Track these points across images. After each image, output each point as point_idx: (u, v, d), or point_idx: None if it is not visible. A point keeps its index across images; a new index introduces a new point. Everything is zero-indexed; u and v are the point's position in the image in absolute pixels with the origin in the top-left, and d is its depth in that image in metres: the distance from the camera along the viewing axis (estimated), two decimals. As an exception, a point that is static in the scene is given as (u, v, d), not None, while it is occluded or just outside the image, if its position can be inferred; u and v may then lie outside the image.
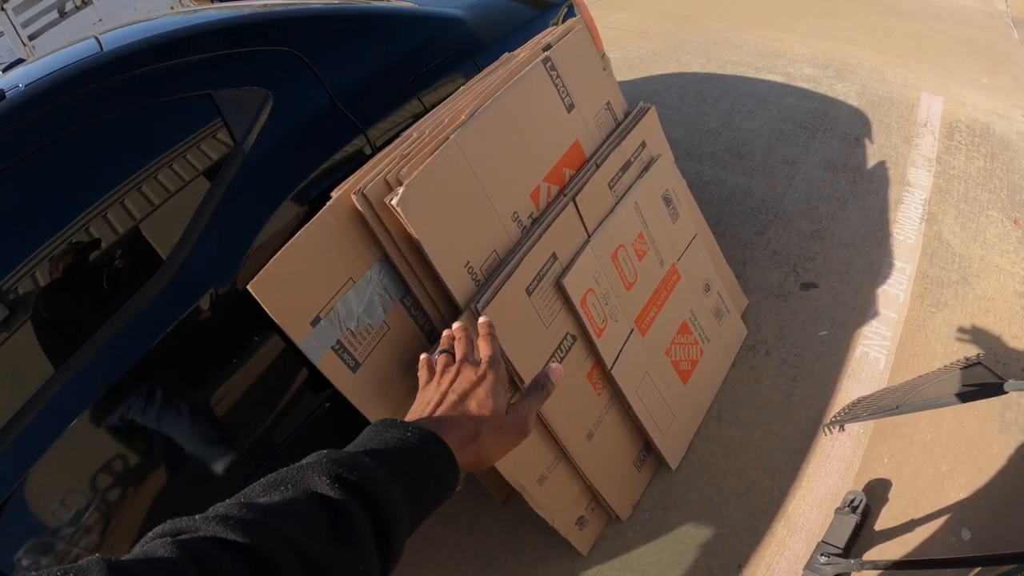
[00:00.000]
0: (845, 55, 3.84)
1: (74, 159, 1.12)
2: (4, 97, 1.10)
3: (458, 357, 0.65)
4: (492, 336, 0.67)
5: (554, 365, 0.66)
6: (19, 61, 1.81)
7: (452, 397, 0.60)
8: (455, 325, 0.70)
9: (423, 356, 0.69)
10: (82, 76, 1.17)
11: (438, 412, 0.59)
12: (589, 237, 1.52)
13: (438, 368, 0.66)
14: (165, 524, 0.40)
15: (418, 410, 0.61)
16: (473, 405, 0.59)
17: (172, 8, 5.44)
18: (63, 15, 5.42)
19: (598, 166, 1.56)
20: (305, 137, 1.36)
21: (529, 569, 1.64)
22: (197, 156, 1.25)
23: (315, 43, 1.43)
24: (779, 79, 3.58)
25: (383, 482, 0.46)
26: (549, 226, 1.41)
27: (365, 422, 1.22)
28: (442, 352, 0.68)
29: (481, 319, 0.70)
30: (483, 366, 0.63)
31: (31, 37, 5.24)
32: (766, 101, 3.37)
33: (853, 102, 3.33)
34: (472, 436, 0.57)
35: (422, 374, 0.68)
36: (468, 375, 0.63)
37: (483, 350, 0.66)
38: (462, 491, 1.61)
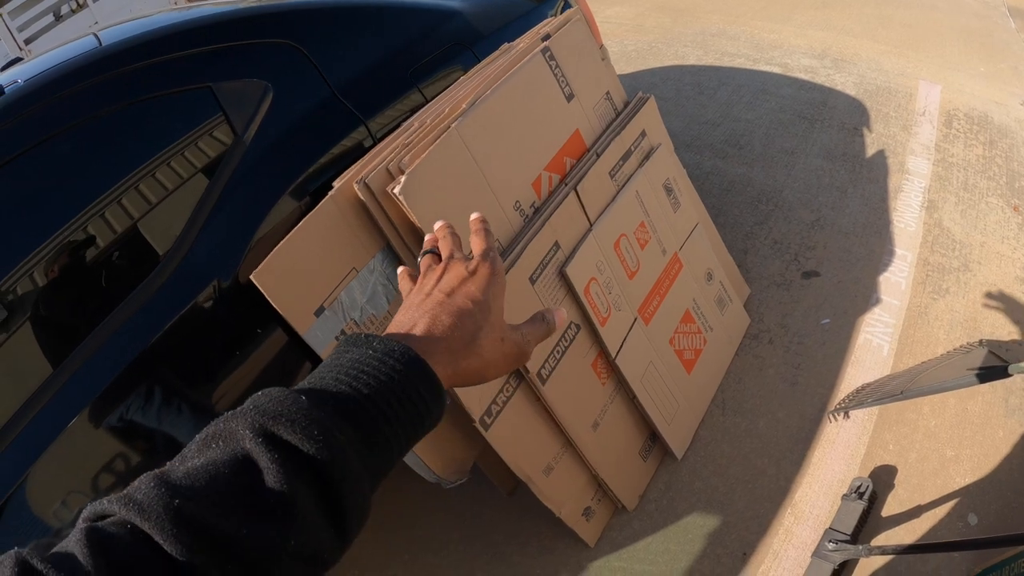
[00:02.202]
0: (842, 45, 3.84)
1: (75, 153, 1.12)
2: (3, 92, 1.09)
3: (443, 256, 0.53)
4: (486, 231, 0.55)
5: (558, 309, 0.57)
6: (17, 59, 1.80)
7: (438, 296, 0.49)
8: (437, 224, 0.57)
9: (401, 268, 0.58)
10: (82, 71, 1.17)
11: (419, 317, 0.47)
12: (591, 226, 1.52)
13: (421, 269, 0.54)
14: (88, 507, 0.35)
15: (399, 321, 0.49)
16: (467, 304, 0.48)
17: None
18: (59, 19, 5.42)
19: (599, 155, 1.56)
20: (306, 129, 1.35)
21: (535, 561, 1.63)
22: (198, 149, 1.25)
23: (315, 35, 1.43)
24: (777, 70, 3.58)
25: (322, 428, 0.37)
26: (551, 215, 1.41)
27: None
28: (426, 253, 0.55)
29: (473, 215, 0.57)
30: (475, 260, 0.52)
31: (27, 41, 5.24)
32: (764, 92, 3.37)
33: (851, 92, 3.32)
34: (466, 341, 0.47)
35: (403, 284, 0.55)
36: (457, 271, 0.51)
37: (475, 245, 0.54)
38: (466, 484, 1.56)
